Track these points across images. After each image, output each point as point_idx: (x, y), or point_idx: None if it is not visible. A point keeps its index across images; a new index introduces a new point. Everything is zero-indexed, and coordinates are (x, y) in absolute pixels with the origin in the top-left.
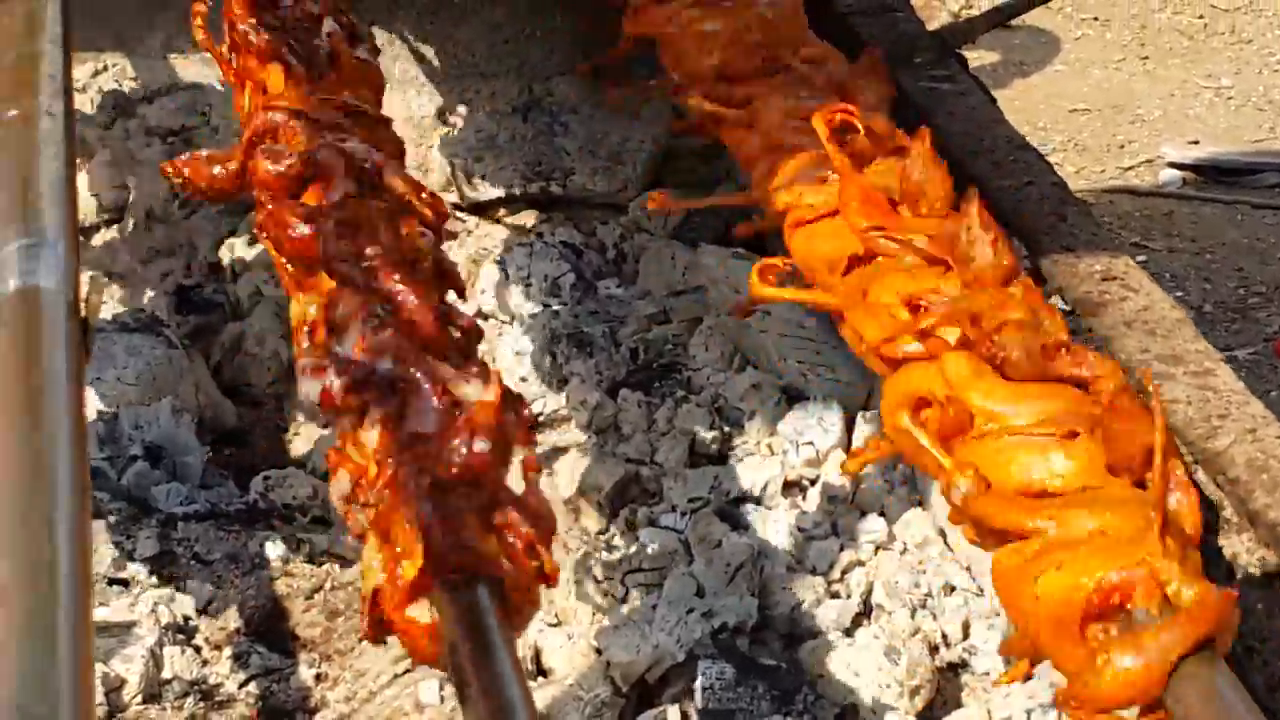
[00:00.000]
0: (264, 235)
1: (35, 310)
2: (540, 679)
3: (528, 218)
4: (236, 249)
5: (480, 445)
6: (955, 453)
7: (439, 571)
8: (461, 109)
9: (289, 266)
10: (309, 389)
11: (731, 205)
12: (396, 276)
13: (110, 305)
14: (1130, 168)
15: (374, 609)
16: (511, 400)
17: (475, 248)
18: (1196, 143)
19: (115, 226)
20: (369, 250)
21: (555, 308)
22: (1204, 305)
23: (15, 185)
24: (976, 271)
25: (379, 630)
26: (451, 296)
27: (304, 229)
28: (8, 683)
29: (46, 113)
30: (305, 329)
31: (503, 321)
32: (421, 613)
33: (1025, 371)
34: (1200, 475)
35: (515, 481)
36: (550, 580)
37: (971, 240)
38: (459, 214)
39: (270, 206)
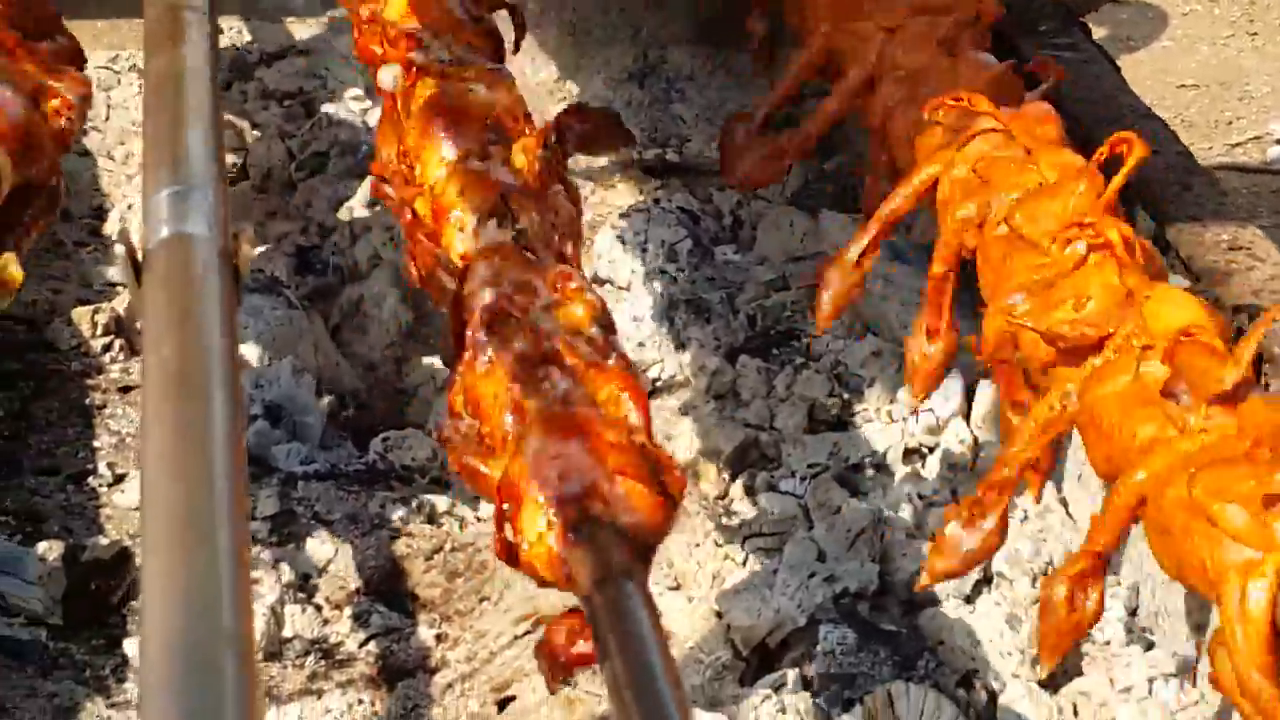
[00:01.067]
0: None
1: (187, 257)
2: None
3: (645, 185)
4: (355, 211)
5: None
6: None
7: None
8: (578, 76)
9: None
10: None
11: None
12: None
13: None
14: (1238, 144)
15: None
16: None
17: (592, 214)
18: None
19: (235, 189)
20: None
21: (673, 274)
22: None
23: (163, 133)
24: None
25: (509, 556)
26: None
27: None
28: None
29: (192, 62)
30: None
31: (620, 288)
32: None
33: None
34: None
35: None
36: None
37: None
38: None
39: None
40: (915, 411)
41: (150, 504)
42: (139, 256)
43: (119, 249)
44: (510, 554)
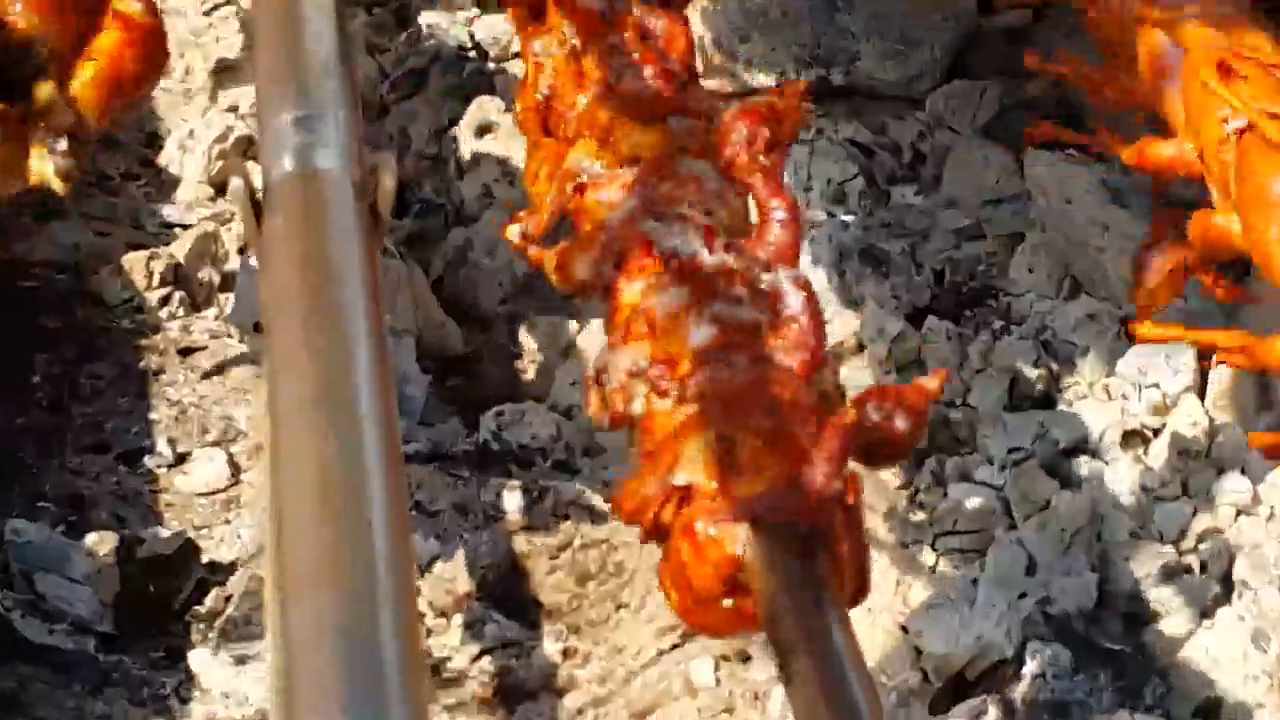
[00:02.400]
0: None
1: (318, 195)
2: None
3: (805, 111)
4: (462, 140)
5: None
6: None
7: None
8: None
9: None
10: None
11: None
12: None
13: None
14: None
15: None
16: None
17: None
18: None
19: None
20: None
21: (842, 218)
22: None
23: (281, 44)
24: None
25: (655, 533)
26: None
27: None
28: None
29: None
30: None
31: None
32: (734, 540)
33: None
34: None
35: None
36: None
37: None
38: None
39: None
40: (1141, 325)
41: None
42: (257, 194)
43: (234, 184)
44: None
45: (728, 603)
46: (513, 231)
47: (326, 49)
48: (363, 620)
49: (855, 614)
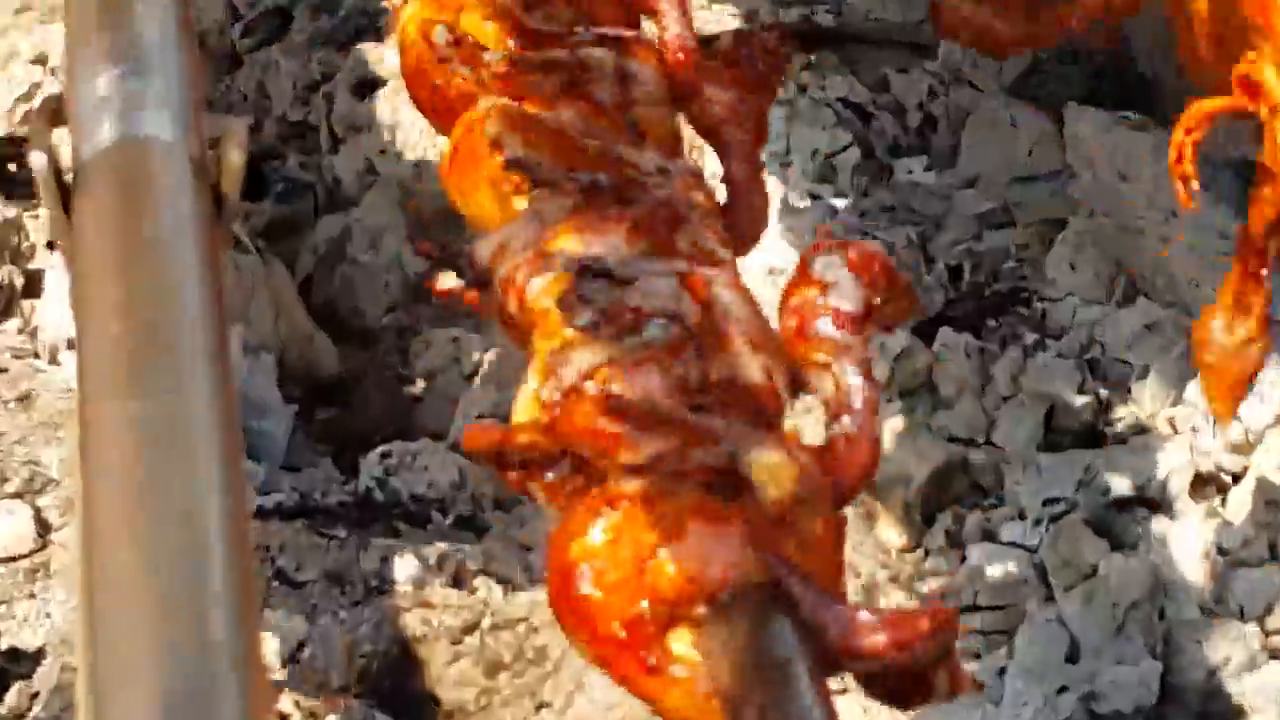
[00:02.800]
0: None
1: (144, 171)
2: None
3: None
4: (338, 100)
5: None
6: None
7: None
8: None
9: None
10: None
11: None
12: None
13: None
14: None
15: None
16: None
17: None
18: None
19: None
20: None
21: (831, 201)
22: None
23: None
24: None
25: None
26: None
27: None
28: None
29: None
30: None
31: None
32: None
33: None
34: None
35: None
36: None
37: None
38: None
39: None
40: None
41: (97, 564)
42: (66, 172)
43: (36, 158)
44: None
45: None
46: None
47: None
48: None
49: (850, 711)
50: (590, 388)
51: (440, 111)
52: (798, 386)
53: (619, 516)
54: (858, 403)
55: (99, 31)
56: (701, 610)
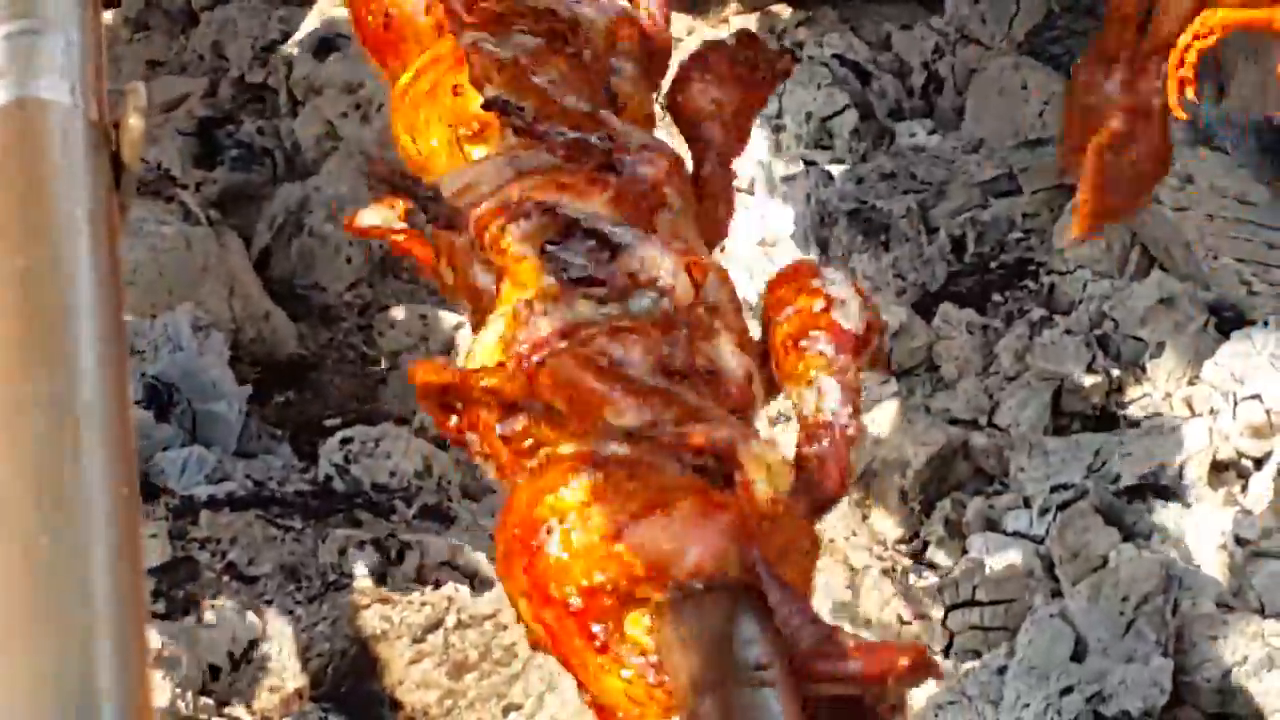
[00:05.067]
0: None
1: (37, 135)
2: None
3: (777, 18)
4: (297, 62)
5: None
6: None
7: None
8: None
9: None
10: None
11: None
12: None
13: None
14: None
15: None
16: None
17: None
18: None
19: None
20: None
21: (826, 167)
22: None
23: None
24: None
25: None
26: None
27: None
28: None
29: None
30: None
31: (740, 190)
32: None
33: None
34: None
35: None
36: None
37: None
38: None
39: None
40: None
41: None
42: None
43: None
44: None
45: None
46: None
47: None
48: None
49: None
50: (573, 345)
51: (386, 40)
52: (770, 394)
53: (601, 479)
54: (835, 431)
55: None
56: (669, 595)
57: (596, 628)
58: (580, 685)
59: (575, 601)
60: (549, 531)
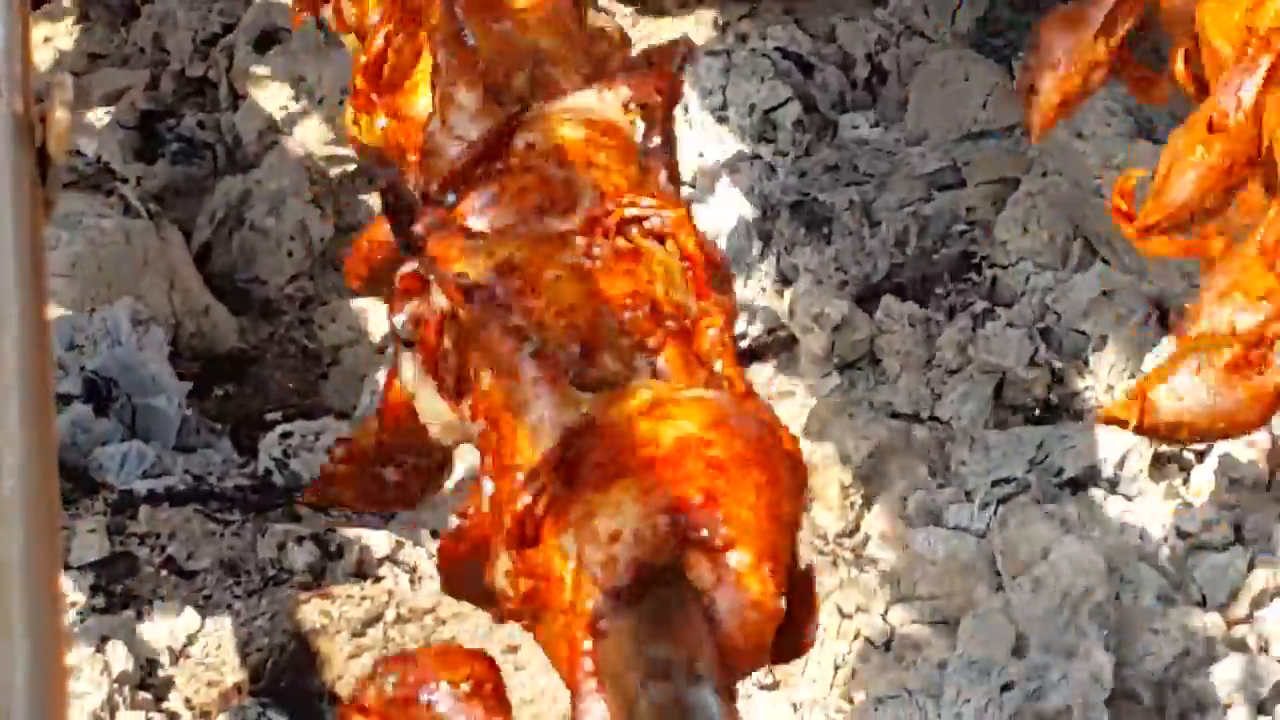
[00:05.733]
0: None
1: None
2: None
3: (722, 10)
4: (239, 53)
5: None
6: None
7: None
8: None
9: None
10: None
11: None
12: None
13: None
14: None
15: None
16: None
17: None
18: None
19: (33, 13)
20: None
21: (769, 159)
22: None
23: None
24: None
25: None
26: None
27: None
28: None
29: None
30: None
31: (683, 183)
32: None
33: None
34: None
35: None
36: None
37: None
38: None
39: None
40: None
41: None
42: None
43: None
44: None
45: None
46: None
47: None
48: None
49: (777, 709)
50: None
51: None
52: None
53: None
54: None
55: None
56: (605, 590)
57: None
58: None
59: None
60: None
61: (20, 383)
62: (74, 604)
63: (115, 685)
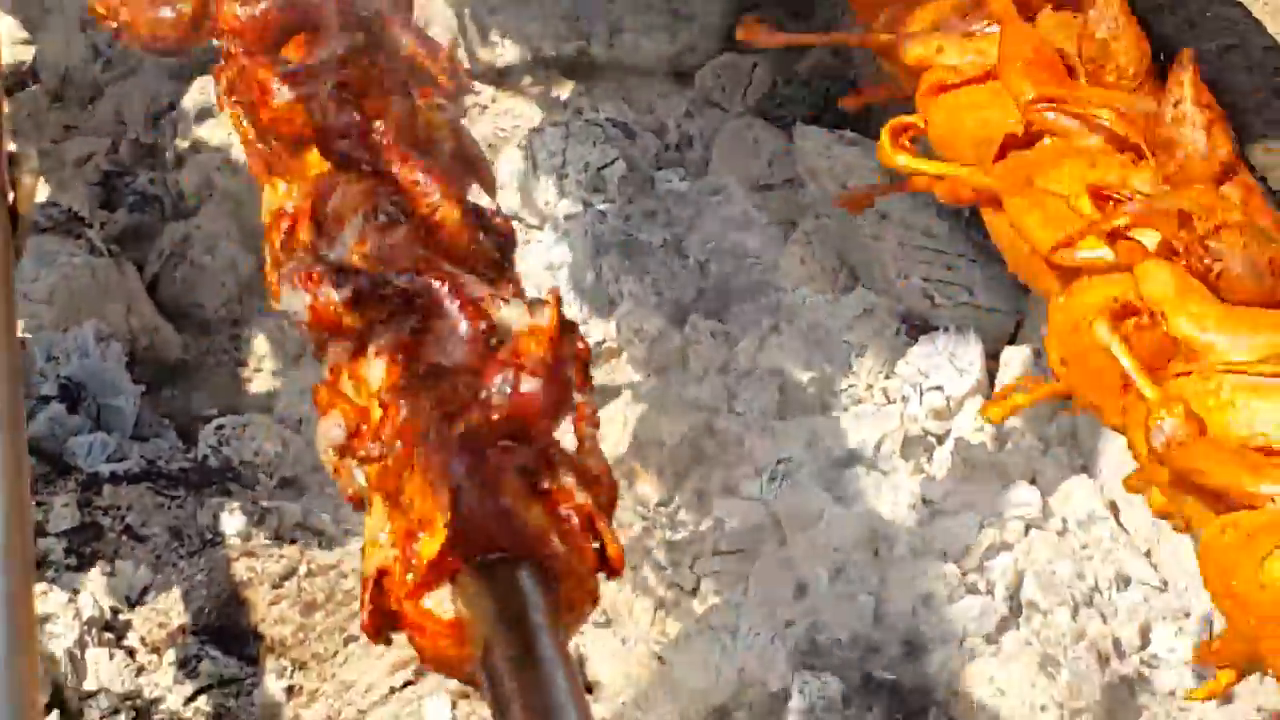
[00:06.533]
0: (231, 100)
1: None
2: (586, 695)
3: (562, 89)
4: (182, 125)
5: (529, 385)
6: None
7: (469, 549)
8: None
9: (263, 143)
10: (295, 302)
11: (849, 44)
12: (411, 160)
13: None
14: None
15: (377, 597)
16: (568, 329)
17: (492, 127)
18: None
19: (20, 94)
20: (375, 124)
21: (600, 207)
22: None
23: None
24: (1182, 163)
25: (383, 625)
26: (476, 192)
27: (288, 94)
28: None
29: None
30: (283, 225)
31: (530, 225)
32: (441, 604)
33: (1246, 292)
34: None
35: (565, 438)
36: (614, 568)
37: (1179, 120)
38: (476, 83)
39: (242, 63)
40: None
41: None
42: None
43: None
44: (379, 621)
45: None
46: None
47: None
48: None
49: (608, 645)
50: None
51: None
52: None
53: None
54: None
55: None
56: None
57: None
58: None
59: None
60: None
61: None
62: (52, 563)
63: (85, 627)
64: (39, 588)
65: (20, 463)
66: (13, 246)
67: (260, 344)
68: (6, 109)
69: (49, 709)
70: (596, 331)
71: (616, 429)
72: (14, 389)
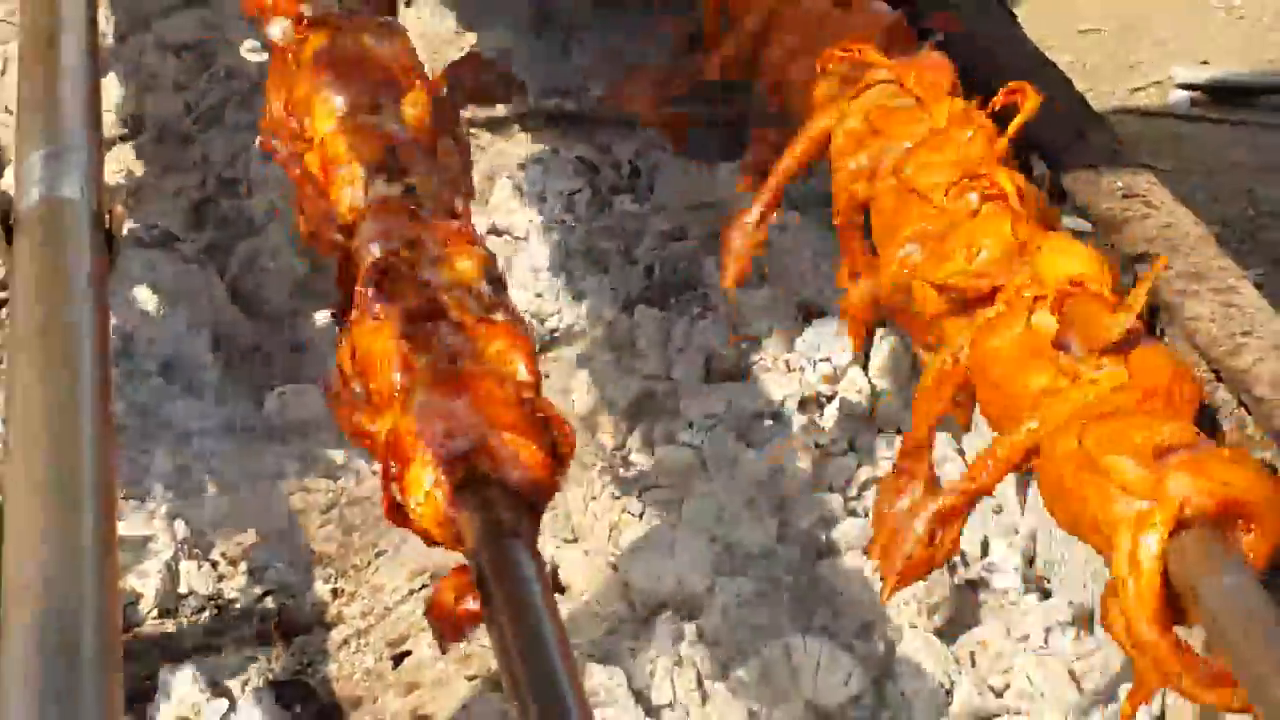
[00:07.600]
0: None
1: (59, 220)
2: (557, 595)
3: (542, 135)
4: (252, 164)
5: None
6: None
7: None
8: (476, 26)
9: None
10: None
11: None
12: None
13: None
14: (1140, 89)
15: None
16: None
17: (490, 164)
18: (1207, 63)
19: (130, 143)
20: None
21: (570, 224)
22: (1213, 226)
23: (38, 95)
24: None
25: (396, 517)
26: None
27: None
28: (37, 593)
29: (69, 13)
30: None
31: (517, 238)
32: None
33: None
34: (1223, 393)
35: None
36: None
37: None
38: (474, 130)
39: None
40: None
41: (13, 477)
42: (10, 219)
43: None
44: (398, 514)
45: None
46: None
47: (77, 93)
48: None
49: (574, 555)
50: None
51: None
52: None
53: None
54: None
55: (33, 127)
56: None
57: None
58: None
59: None
60: None
61: (93, 378)
62: (155, 498)
63: (179, 545)
64: (142, 515)
65: (107, 427)
66: (107, 262)
67: (311, 330)
68: (118, 155)
69: None
70: (568, 317)
71: (582, 392)
72: (104, 375)
